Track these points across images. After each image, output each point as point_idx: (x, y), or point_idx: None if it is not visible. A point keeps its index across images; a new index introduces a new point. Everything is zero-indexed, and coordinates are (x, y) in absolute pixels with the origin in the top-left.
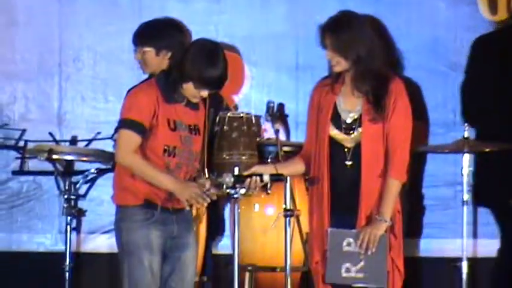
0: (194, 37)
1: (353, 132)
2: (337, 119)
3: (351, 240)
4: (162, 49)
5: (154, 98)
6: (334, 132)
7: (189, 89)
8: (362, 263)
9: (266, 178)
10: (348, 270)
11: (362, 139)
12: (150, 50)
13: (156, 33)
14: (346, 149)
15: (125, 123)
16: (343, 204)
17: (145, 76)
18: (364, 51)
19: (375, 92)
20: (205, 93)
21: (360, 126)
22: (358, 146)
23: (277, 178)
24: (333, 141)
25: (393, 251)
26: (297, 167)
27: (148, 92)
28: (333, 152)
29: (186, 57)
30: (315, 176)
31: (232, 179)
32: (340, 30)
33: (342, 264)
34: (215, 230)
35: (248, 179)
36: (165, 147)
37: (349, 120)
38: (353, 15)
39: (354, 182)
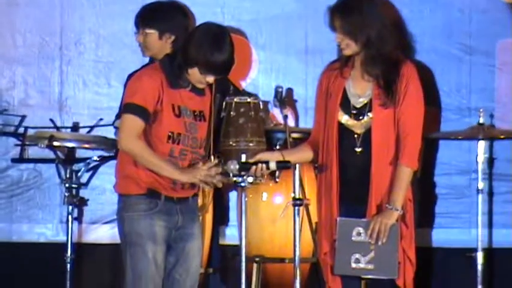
0: (200, 20)
1: (363, 118)
2: (346, 104)
3: (361, 229)
4: (166, 32)
5: (159, 83)
6: (344, 118)
7: (194, 74)
8: (372, 254)
9: (272, 165)
10: (357, 261)
11: (372, 125)
12: (152, 33)
13: (160, 15)
14: (355, 135)
15: (128, 108)
16: (353, 193)
17: (147, 60)
18: (374, 34)
19: (385, 76)
20: (211, 78)
21: (370, 111)
22: (368, 132)
23: (284, 166)
24: (342, 127)
25: (404, 241)
26: (304, 154)
27: (153, 77)
28: (342, 138)
29: (191, 41)
30: (323, 164)
31: (237, 166)
32: (350, 12)
33: (351, 255)
34: (220, 219)
35: (254, 167)
36: (169, 134)
37: (359, 105)
38: None
39: (364, 170)
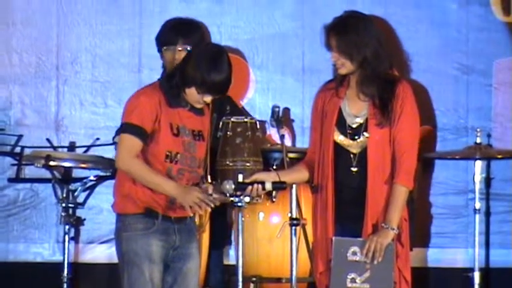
0: None
1: (359, 138)
2: (342, 124)
3: (357, 249)
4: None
5: (157, 102)
6: (340, 138)
7: (192, 93)
8: (368, 273)
9: (268, 186)
10: (353, 280)
11: (368, 144)
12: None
13: (196, 31)
14: (351, 155)
15: (125, 128)
16: (349, 212)
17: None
18: (370, 54)
19: (381, 95)
20: (208, 98)
21: (365, 131)
22: (364, 152)
23: (279, 186)
24: (338, 147)
25: (400, 260)
26: (300, 174)
27: (151, 96)
28: (338, 158)
29: (189, 61)
30: (318, 183)
31: (233, 186)
32: (346, 31)
33: (346, 274)
34: (222, 239)
35: (249, 187)
36: (167, 153)
37: (354, 125)
38: (360, 16)
39: (360, 189)
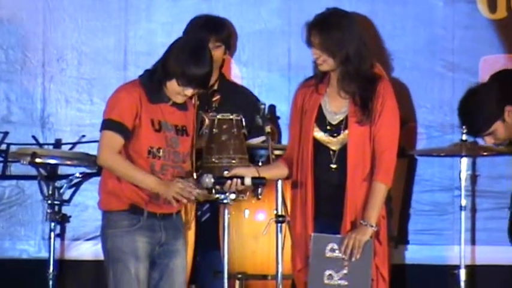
0: None
1: (338, 135)
2: (322, 121)
3: (335, 245)
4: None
5: (137, 98)
6: (319, 135)
7: (172, 86)
8: (345, 270)
9: (248, 181)
10: (330, 277)
11: (348, 141)
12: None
13: (220, 28)
14: (331, 152)
15: (106, 124)
16: (328, 209)
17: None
18: (352, 51)
19: (361, 93)
20: (189, 91)
21: (346, 128)
22: (343, 149)
23: (259, 182)
24: (317, 143)
25: (378, 257)
26: (280, 170)
27: (131, 92)
28: (318, 154)
29: (170, 53)
30: (298, 180)
31: (212, 180)
32: (329, 28)
33: (324, 271)
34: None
35: (229, 181)
36: (149, 149)
37: (334, 122)
38: (342, 13)
39: (339, 186)
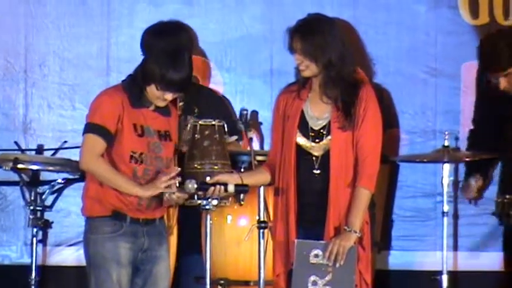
0: None
1: (321, 140)
2: (304, 127)
3: (319, 251)
4: None
5: (119, 102)
6: (302, 140)
7: (152, 91)
8: (329, 276)
9: (231, 188)
10: (314, 283)
11: (331, 147)
12: None
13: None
14: (314, 158)
15: (88, 128)
16: (311, 215)
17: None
18: (335, 56)
19: (344, 98)
20: (169, 96)
21: (328, 134)
22: (326, 155)
23: (241, 189)
24: (300, 149)
25: (361, 263)
26: (262, 176)
27: (113, 96)
28: (300, 160)
29: (149, 58)
30: (280, 186)
31: (195, 186)
32: (311, 33)
33: (308, 277)
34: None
35: (212, 188)
36: (132, 154)
37: (317, 128)
38: (324, 19)
39: (322, 192)
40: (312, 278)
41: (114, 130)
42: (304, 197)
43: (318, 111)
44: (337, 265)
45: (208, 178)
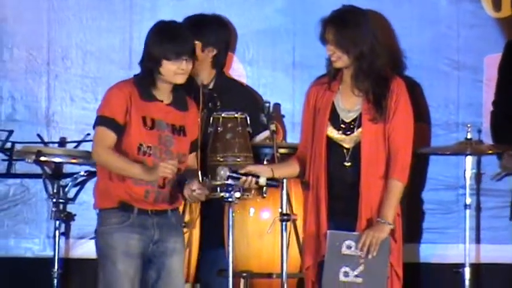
0: None
1: (352, 133)
2: (335, 119)
3: (352, 242)
4: (209, 45)
5: (127, 94)
6: (333, 133)
7: (166, 68)
8: (361, 267)
9: (262, 181)
10: (346, 274)
11: (362, 139)
12: (196, 44)
13: (206, 27)
14: (344, 150)
15: (99, 121)
16: (342, 207)
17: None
18: (367, 48)
19: (375, 90)
20: (183, 64)
21: (359, 126)
22: (357, 147)
23: (272, 184)
24: (331, 141)
25: (393, 256)
26: (292, 168)
27: (121, 89)
28: (331, 153)
29: (149, 42)
30: (311, 179)
31: (227, 173)
32: (345, 25)
33: (340, 268)
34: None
35: (243, 178)
36: (139, 146)
37: (348, 120)
38: (358, 11)
39: (353, 184)
40: (344, 269)
41: (124, 122)
42: (335, 189)
43: (349, 103)
44: (370, 256)
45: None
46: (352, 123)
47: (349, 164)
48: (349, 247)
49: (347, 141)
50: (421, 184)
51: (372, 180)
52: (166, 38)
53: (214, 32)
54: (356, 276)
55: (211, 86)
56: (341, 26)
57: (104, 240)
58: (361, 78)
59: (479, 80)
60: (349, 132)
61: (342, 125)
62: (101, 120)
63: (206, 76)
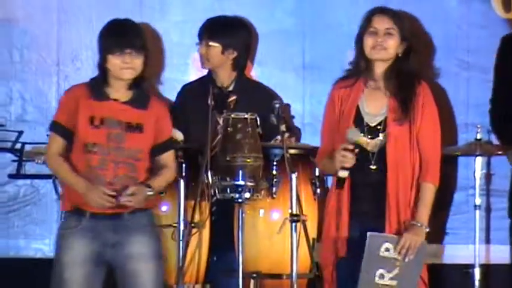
0: (195, 36)
1: (377, 136)
2: (360, 122)
3: (390, 245)
4: (229, 47)
5: (77, 96)
6: (358, 137)
7: (112, 64)
8: (397, 270)
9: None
10: (381, 276)
11: (388, 142)
12: (216, 46)
13: (226, 29)
14: (370, 154)
15: (51, 126)
16: (368, 209)
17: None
18: (403, 48)
19: (403, 92)
20: (126, 58)
21: (384, 129)
22: (382, 150)
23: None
24: (356, 145)
25: None
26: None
27: (73, 91)
28: (357, 156)
29: (98, 41)
30: (333, 181)
31: (359, 133)
32: (399, 15)
33: (376, 270)
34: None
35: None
36: (85, 144)
37: (373, 124)
38: (397, 10)
39: (379, 186)
40: (380, 271)
41: (72, 125)
42: (359, 192)
43: (374, 107)
44: (407, 259)
45: (240, 172)
46: (378, 127)
47: (374, 167)
48: (387, 249)
49: (371, 145)
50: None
51: (399, 182)
52: (110, 33)
53: (235, 34)
54: (391, 278)
55: (231, 88)
56: (398, 17)
57: (57, 243)
58: (392, 76)
59: (488, 80)
60: (373, 136)
61: (367, 129)
62: (51, 126)
63: (226, 78)
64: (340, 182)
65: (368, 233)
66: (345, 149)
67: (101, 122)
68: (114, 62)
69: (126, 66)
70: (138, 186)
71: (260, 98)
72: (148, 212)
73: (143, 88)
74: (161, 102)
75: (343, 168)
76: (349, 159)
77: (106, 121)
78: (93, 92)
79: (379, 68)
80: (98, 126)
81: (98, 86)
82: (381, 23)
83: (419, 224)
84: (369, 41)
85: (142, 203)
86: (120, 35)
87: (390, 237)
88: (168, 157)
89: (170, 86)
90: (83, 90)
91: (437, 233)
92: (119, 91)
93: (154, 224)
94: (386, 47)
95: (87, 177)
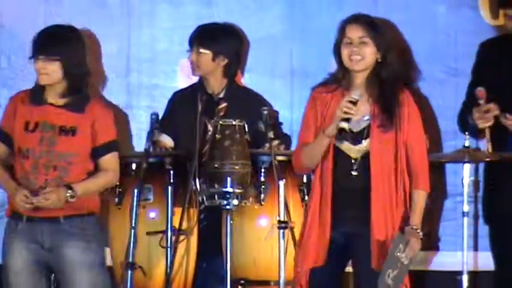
0: (184, 42)
1: (360, 143)
2: (342, 129)
3: (402, 247)
4: (220, 54)
5: (17, 101)
6: (340, 143)
7: (34, 68)
8: (396, 272)
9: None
10: (389, 275)
11: (371, 149)
12: (207, 53)
13: (217, 37)
14: (352, 160)
15: None
16: (352, 215)
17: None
18: (391, 55)
19: (386, 99)
20: (38, 64)
21: (367, 136)
22: (365, 157)
23: None
24: (338, 151)
25: None
26: None
27: (15, 96)
28: (338, 162)
29: None
30: (315, 188)
31: (357, 96)
32: (375, 24)
33: (389, 269)
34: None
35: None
36: (20, 149)
37: (356, 130)
38: (378, 18)
39: (362, 192)
40: (390, 270)
41: (12, 130)
42: (341, 198)
43: (357, 113)
44: (406, 262)
45: (229, 179)
46: (361, 133)
47: (356, 173)
48: (400, 250)
49: (354, 152)
50: None
51: (381, 188)
52: (33, 40)
53: (226, 42)
54: (391, 278)
55: (222, 95)
56: (372, 25)
57: (2, 249)
58: (372, 84)
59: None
60: (357, 143)
61: (350, 135)
62: None
63: (217, 85)
64: (341, 132)
65: (397, 232)
66: (349, 101)
67: (35, 126)
68: (35, 67)
69: (40, 72)
70: (55, 188)
71: (251, 105)
72: (90, 217)
73: (84, 92)
74: (102, 105)
75: (344, 120)
76: (352, 111)
77: (40, 125)
78: (32, 97)
79: (359, 79)
80: (32, 130)
81: (37, 91)
82: (354, 32)
83: (418, 231)
84: (345, 52)
85: (59, 204)
86: (36, 41)
87: (404, 239)
88: (107, 160)
89: (158, 93)
90: (23, 96)
91: (425, 240)
92: (53, 95)
93: (98, 230)
94: (362, 56)
95: (23, 182)
